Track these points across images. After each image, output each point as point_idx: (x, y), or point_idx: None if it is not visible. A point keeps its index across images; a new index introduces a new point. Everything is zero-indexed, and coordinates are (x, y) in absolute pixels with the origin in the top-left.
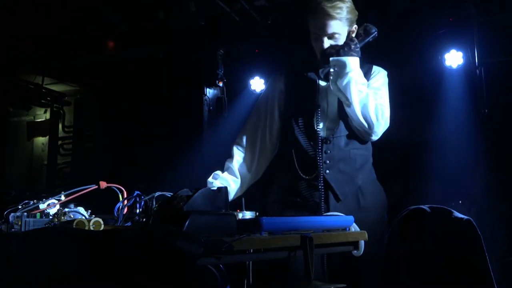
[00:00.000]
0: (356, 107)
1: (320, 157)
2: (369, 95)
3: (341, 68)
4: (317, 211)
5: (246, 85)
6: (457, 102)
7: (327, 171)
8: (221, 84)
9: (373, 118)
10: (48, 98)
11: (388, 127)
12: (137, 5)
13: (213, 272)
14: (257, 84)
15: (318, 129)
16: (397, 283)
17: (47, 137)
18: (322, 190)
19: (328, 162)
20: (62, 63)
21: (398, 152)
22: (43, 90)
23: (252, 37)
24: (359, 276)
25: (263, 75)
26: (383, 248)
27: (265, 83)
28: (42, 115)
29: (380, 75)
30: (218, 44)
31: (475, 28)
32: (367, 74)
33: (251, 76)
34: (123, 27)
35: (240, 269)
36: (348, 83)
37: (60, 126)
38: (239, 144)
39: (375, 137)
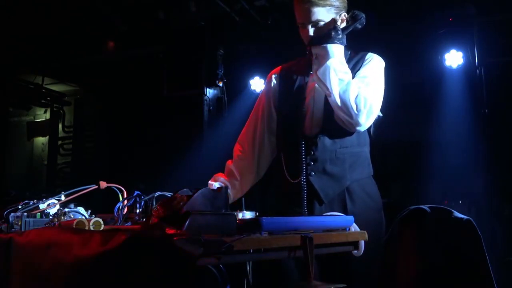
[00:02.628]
0: (336, 97)
1: (303, 159)
2: (351, 84)
3: (322, 57)
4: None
5: (246, 85)
6: (457, 102)
7: (312, 173)
8: (221, 84)
9: (353, 108)
10: (48, 98)
11: (388, 127)
12: (137, 5)
13: (213, 272)
14: (257, 84)
15: (301, 128)
16: (396, 283)
17: (47, 137)
18: (305, 194)
19: (312, 163)
20: (62, 63)
21: (398, 152)
22: (43, 90)
23: (252, 37)
24: (353, 279)
25: (263, 75)
26: (377, 250)
27: (265, 83)
28: (42, 115)
29: (372, 62)
30: (218, 44)
31: (475, 28)
32: (359, 62)
33: (251, 76)
34: (123, 27)
35: (240, 269)
36: (327, 72)
37: (60, 126)
38: (240, 144)
39: (360, 128)
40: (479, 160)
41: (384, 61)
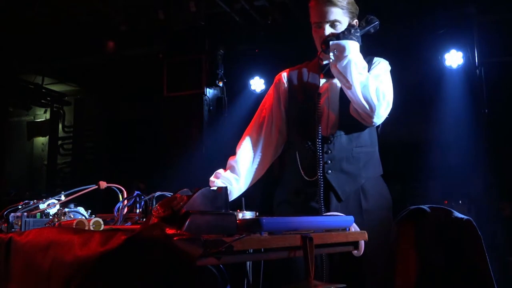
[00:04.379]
0: (357, 88)
1: (320, 157)
2: (369, 78)
3: (341, 52)
4: (318, 213)
5: (246, 85)
6: (457, 102)
7: (329, 171)
8: (221, 84)
9: (374, 98)
10: (48, 98)
11: (388, 127)
12: (137, 5)
13: (213, 272)
14: (257, 84)
15: (318, 128)
16: (396, 283)
17: (47, 137)
18: (322, 191)
19: (329, 162)
20: (62, 63)
21: (398, 152)
22: (43, 90)
23: (252, 37)
24: (362, 277)
25: (263, 75)
26: (387, 247)
27: (265, 83)
28: (42, 115)
29: (381, 64)
30: (218, 44)
31: (475, 28)
32: (368, 65)
33: (251, 76)
34: (123, 27)
35: (240, 269)
36: (348, 65)
37: (60, 126)
38: (243, 141)
39: (377, 119)
40: (479, 160)
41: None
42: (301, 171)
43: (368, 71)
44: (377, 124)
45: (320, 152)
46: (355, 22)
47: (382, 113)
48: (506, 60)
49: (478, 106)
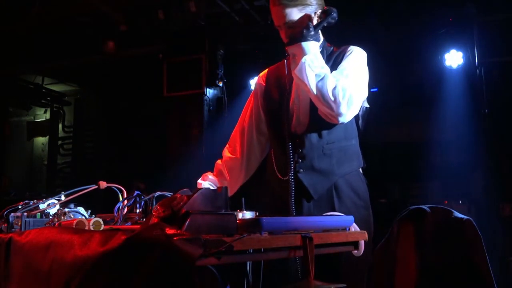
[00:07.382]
0: (315, 91)
1: (292, 156)
2: (328, 77)
3: (298, 55)
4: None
5: (246, 85)
6: (457, 102)
7: (301, 170)
8: (221, 84)
9: (332, 99)
10: (48, 98)
11: (388, 127)
12: (137, 5)
13: (213, 272)
14: None
15: (288, 127)
16: (396, 284)
17: (47, 137)
18: (294, 191)
19: (301, 161)
20: (62, 63)
21: (398, 152)
22: (43, 90)
23: (252, 37)
24: (342, 277)
25: None
26: (367, 248)
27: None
28: (42, 115)
29: (352, 54)
30: (218, 44)
31: (475, 28)
32: (340, 55)
33: (251, 76)
34: (123, 27)
35: (240, 269)
36: (302, 68)
37: (60, 126)
38: (230, 144)
39: (343, 119)
40: (479, 160)
41: (385, 61)
42: (276, 170)
43: (340, 62)
44: (346, 121)
45: (291, 151)
46: (319, 12)
47: (344, 112)
48: (506, 60)
49: (478, 106)
